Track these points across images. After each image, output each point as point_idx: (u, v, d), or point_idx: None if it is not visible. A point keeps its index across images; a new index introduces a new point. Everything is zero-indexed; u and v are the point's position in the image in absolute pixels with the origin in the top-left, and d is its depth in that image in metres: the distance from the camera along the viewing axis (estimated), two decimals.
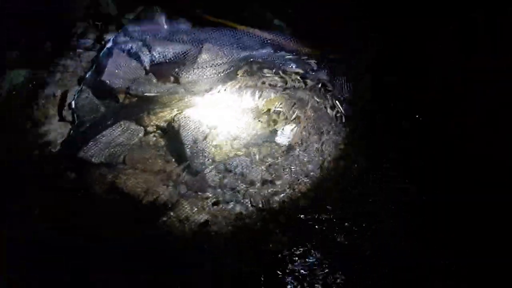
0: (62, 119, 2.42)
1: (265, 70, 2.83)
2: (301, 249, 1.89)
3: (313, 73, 2.82)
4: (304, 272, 1.81)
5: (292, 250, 1.89)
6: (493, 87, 2.28)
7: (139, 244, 1.89)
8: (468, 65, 2.39)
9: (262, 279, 1.79)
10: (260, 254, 1.89)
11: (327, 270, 1.82)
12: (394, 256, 1.89)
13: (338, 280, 1.80)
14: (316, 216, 2.03)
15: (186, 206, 2.04)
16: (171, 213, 2.01)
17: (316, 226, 1.99)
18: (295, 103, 2.61)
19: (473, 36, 2.40)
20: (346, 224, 2.00)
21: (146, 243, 1.89)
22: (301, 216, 2.04)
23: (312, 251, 1.88)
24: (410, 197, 2.13)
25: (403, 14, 2.57)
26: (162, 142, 2.36)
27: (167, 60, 2.84)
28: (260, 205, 2.09)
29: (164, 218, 1.99)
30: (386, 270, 1.84)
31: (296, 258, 1.86)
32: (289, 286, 1.78)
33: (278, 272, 1.81)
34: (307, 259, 1.86)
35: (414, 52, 2.58)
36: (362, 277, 1.82)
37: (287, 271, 1.81)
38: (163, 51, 2.83)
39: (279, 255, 1.87)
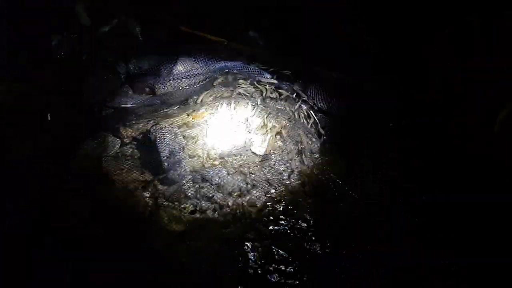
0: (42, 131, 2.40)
1: (240, 81, 2.89)
2: (283, 256, 1.89)
3: (288, 83, 2.88)
4: (292, 276, 1.80)
5: (276, 256, 1.89)
6: (491, 88, 2.28)
7: (117, 255, 1.87)
8: (464, 67, 2.40)
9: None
10: (240, 262, 1.87)
11: (317, 273, 1.82)
12: (393, 256, 1.88)
13: (335, 281, 1.80)
14: (295, 223, 2.04)
15: (163, 217, 2.03)
16: (149, 224, 1.99)
17: (297, 233, 1.99)
18: (270, 113, 2.67)
19: (469, 39, 2.40)
20: (332, 227, 2.02)
21: (124, 253, 1.87)
22: (281, 222, 2.04)
23: (295, 257, 1.88)
24: (404, 198, 2.13)
25: (399, 18, 2.59)
26: (138, 153, 2.36)
27: (143, 72, 2.86)
28: (238, 214, 2.08)
29: (142, 229, 1.98)
30: (386, 270, 1.83)
31: (281, 263, 1.86)
32: None
33: (263, 278, 1.80)
34: (290, 265, 1.85)
35: (410, 54, 2.60)
36: (359, 277, 1.81)
37: (274, 275, 1.81)
38: (139, 63, 2.87)
39: (261, 262, 1.86)
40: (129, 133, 2.45)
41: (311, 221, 2.04)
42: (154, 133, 2.34)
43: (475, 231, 1.93)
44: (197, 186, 2.21)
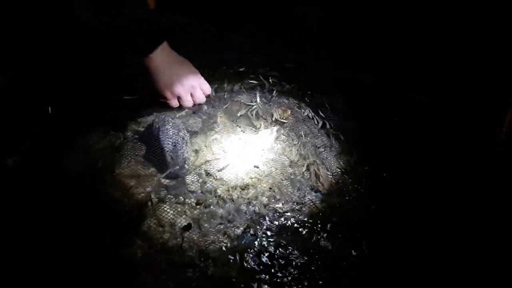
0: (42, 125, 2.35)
1: (242, 73, 2.85)
2: (287, 252, 1.87)
3: (291, 76, 2.85)
4: (291, 275, 1.79)
5: (278, 252, 1.87)
6: None
7: (119, 250, 1.84)
8: None
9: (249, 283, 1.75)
10: (246, 256, 1.86)
11: (317, 272, 1.80)
12: (389, 256, 1.87)
13: (342, 278, 1.79)
14: (300, 219, 2.02)
15: (167, 211, 2.01)
16: (153, 218, 1.97)
17: (301, 229, 1.98)
18: (273, 106, 2.64)
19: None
20: (335, 225, 2.00)
21: (127, 248, 1.84)
22: (285, 218, 2.03)
23: (299, 253, 1.87)
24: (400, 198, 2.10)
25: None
26: (141, 147, 2.32)
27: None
28: (242, 208, 2.07)
29: (146, 223, 1.95)
30: (380, 270, 1.82)
31: (282, 261, 1.84)
32: None
33: (265, 275, 1.78)
34: (293, 262, 1.83)
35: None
36: (351, 277, 1.79)
37: (273, 274, 1.79)
38: None
39: (265, 258, 1.85)
40: (132, 126, 2.42)
41: (318, 216, 2.03)
42: (157, 127, 2.31)
43: (474, 234, 1.89)
44: (200, 180, 2.19)
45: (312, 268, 1.81)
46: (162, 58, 2.30)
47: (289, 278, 1.77)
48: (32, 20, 2.47)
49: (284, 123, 2.56)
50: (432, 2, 2.45)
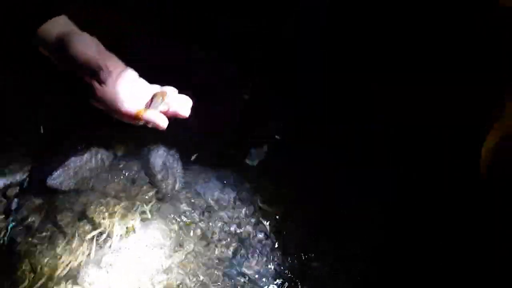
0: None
1: None
2: (287, 251, 1.90)
3: None
4: (291, 274, 1.81)
5: (278, 252, 1.90)
6: None
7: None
8: None
9: None
10: (234, 275, 1.87)
11: (317, 272, 1.82)
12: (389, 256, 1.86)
13: (331, 281, 1.79)
14: (294, 237, 2.02)
15: (155, 229, 2.02)
16: (141, 237, 1.99)
17: (298, 248, 1.97)
18: None
19: None
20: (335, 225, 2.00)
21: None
22: (278, 233, 2.04)
23: (300, 253, 1.90)
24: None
25: None
26: (132, 166, 2.31)
27: None
28: (233, 229, 2.08)
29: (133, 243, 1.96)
30: (380, 270, 1.82)
31: (283, 260, 1.87)
32: None
33: (266, 275, 1.81)
34: (294, 262, 1.86)
35: None
36: (351, 277, 1.80)
37: (273, 274, 1.82)
38: None
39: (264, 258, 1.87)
40: (123, 146, 2.39)
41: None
42: (148, 146, 2.32)
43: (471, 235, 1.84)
44: (191, 198, 2.20)
45: (313, 267, 1.82)
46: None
47: (290, 278, 1.79)
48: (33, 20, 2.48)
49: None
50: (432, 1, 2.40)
